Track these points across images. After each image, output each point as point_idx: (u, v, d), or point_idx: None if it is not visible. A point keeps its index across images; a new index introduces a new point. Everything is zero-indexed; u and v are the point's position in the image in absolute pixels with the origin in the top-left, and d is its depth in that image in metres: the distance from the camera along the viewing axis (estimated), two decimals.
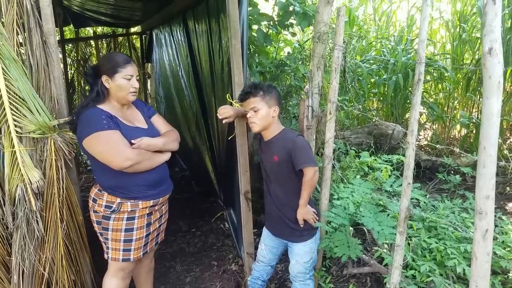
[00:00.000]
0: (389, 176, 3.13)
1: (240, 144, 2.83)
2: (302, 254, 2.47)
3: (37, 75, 2.27)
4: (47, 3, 2.26)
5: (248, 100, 2.32)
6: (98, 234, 2.37)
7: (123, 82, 2.22)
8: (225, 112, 2.52)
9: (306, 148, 2.33)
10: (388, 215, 2.42)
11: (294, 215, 2.41)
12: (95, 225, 2.34)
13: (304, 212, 2.37)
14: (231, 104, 2.76)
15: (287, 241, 2.53)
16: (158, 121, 2.56)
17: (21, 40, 2.28)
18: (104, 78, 2.22)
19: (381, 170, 3.21)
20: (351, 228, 2.82)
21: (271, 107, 2.33)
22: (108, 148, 2.11)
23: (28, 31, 2.23)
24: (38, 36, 2.24)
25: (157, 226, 2.46)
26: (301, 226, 2.41)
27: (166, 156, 2.42)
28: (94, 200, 2.29)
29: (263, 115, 2.31)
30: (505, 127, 5.54)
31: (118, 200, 2.23)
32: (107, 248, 2.32)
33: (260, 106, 2.30)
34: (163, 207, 2.50)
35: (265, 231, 2.65)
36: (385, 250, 2.67)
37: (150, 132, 2.38)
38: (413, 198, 2.56)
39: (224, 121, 2.55)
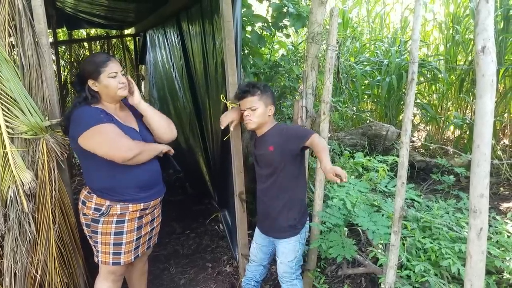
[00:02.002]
0: (384, 177, 3.13)
1: (235, 145, 2.82)
2: (286, 252, 2.47)
3: (29, 76, 2.24)
4: (39, 3, 2.24)
5: (245, 99, 2.38)
6: (88, 237, 2.34)
7: (110, 81, 2.19)
8: (226, 120, 2.57)
9: (300, 127, 2.49)
10: (382, 215, 2.42)
11: (281, 209, 2.43)
12: (84, 228, 2.30)
13: (332, 169, 2.04)
14: (225, 104, 2.76)
15: (273, 238, 2.55)
16: None
17: (13, 42, 2.26)
18: (90, 82, 2.19)
19: (376, 171, 3.22)
20: (345, 228, 2.81)
21: (268, 106, 2.40)
22: (109, 140, 2.09)
23: (20, 31, 2.21)
24: (30, 36, 2.22)
25: (149, 229, 2.42)
26: (290, 220, 2.42)
27: (163, 146, 2.41)
28: (83, 203, 2.25)
29: (260, 113, 2.37)
30: (498, 128, 5.57)
31: (107, 202, 2.20)
32: (97, 251, 2.29)
33: (257, 105, 2.36)
34: (155, 210, 2.45)
35: (256, 230, 2.68)
36: (379, 251, 2.67)
37: (142, 133, 2.35)
38: (407, 199, 2.57)
39: (232, 127, 2.59)
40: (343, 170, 2.04)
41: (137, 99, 2.35)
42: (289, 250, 2.47)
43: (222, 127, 2.59)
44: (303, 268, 2.93)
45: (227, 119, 2.57)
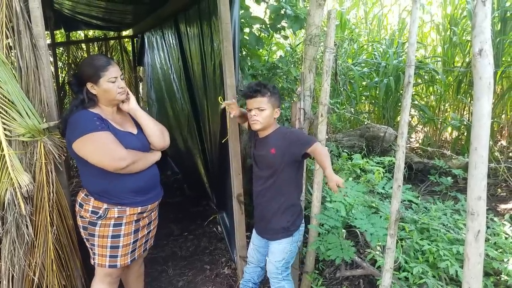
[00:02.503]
0: (381, 178, 3.13)
1: (233, 147, 2.82)
2: (275, 252, 2.48)
3: (26, 78, 2.23)
4: (36, 5, 2.24)
5: (255, 99, 2.35)
6: (85, 240, 2.33)
7: (109, 86, 2.17)
8: (229, 104, 2.56)
9: (303, 133, 2.52)
10: (380, 217, 2.42)
11: (275, 212, 2.43)
12: (81, 230, 2.29)
13: (336, 179, 2.13)
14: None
15: (266, 239, 2.56)
16: None
17: (11, 44, 2.25)
18: (89, 85, 2.18)
19: (374, 172, 3.22)
20: (343, 230, 2.81)
21: (275, 108, 2.39)
22: (102, 148, 2.08)
23: (18, 33, 2.20)
24: (27, 38, 2.21)
25: (146, 232, 2.42)
26: (287, 222, 2.43)
27: (158, 155, 2.40)
28: (81, 205, 2.24)
29: (267, 115, 2.35)
30: (495, 129, 5.59)
31: (105, 205, 2.19)
32: (94, 254, 2.28)
33: (266, 106, 2.34)
34: (152, 213, 2.45)
35: (253, 231, 2.68)
36: (377, 252, 2.67)
37: (139, 137, 2.34)
38: (405, 200, 2.58)
39: (232, 114, 2.56)
40: (343, 182, 2.10)
41: (133, 105, 2.34)
42: (278, 250, 2.47)
43: (223, 105, 2.59)
44: (301, 271, 2.93)
45: (229, 104, 2.57)
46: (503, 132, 5.93)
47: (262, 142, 2.46)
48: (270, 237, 2.50)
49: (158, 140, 2.40)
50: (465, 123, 5.25)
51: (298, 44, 5.64)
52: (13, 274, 2.26)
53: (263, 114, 2.34)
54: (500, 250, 2.54)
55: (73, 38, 7.58)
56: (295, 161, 2.36)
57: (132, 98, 2.35)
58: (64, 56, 7.11)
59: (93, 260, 2.30)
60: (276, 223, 2.44)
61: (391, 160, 3.38)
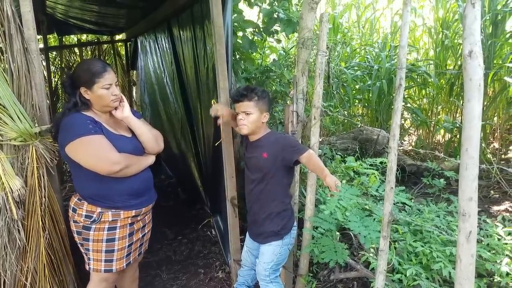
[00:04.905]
0: (375, 182, 3.14)
1: (226, 150, 2.82)
2: (264, 253, 2.47)
3: (18, 82, 2.22)
4: (28, 9, 2.23)
5: (241, 103, 2.36)
6: (79, 245, 2.31)
7: (103, 92, 2.15)
8: (215, 111, 2.55)
9: (296, 140, 2.51)
10: (374, 219, 2.42)
11: (266, 216, 2.44)
12: (75, 235, 2.27)
13: (333, 179, 2.23)
14: None
15: (258, 243, 2.55)
16: None
17: (2, 48, 2.24)
18: (83, 90, 2.16)
19: (367, 175, 3.22)
20: (337, 232, 2.81)
21: (263, 113, 2.39)
22: (95, 153, 2.06)
23: (9, 37, 2.19)
24: (19, 42, 2.20)
25: (140, 236, 2.40)
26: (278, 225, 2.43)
27: (151, 159, 2.39)
28: (74, 210, 2.22)
29: (254, 119, 2.35)
30: (488, 131, 5.62)
31: (99, 209, 2.17)
32: (89, 259, 2.26)
33: (252, 110, 2.34)
34: (146, 217, 2.44)
35: (247, 234, 2.68)
36: (371, 255, 2.67)
37: (133, 140, 2.33)
38: (398, 202, 2.58)
39: (219, 122, 2.56)
40: (336, 182, 2.17)
41: (126, 114, 2.30)
42: (267, 251, 2.47)
43: (212, 114, 2.57)
44: (295, 273, 2.93)
45: (216, 111, 2.57)
46: (495, 134, 5.97)
47: (253, 146, 2.46)
48: (261, 240, 2.50)
49: (152, 146, 2.40)
50: (457, 125, 5.28)
51: (291, 48, 5.66)
52: (4, 279, 2.24)
53: (249, 118, 2.35)
54: (493, 251, 2.55)
55: (66, 42, 7.56)
56: (286, 166, 2.36)
57: (126, 106, 2.31)
58: (57, 60, 7.08)
59: (88, 265, 2.28)
60: (267, 227, 2.44)
61: (383, 162, 3.38)
